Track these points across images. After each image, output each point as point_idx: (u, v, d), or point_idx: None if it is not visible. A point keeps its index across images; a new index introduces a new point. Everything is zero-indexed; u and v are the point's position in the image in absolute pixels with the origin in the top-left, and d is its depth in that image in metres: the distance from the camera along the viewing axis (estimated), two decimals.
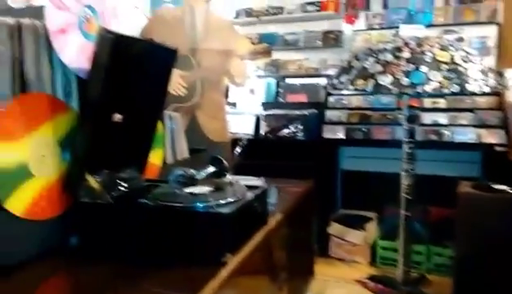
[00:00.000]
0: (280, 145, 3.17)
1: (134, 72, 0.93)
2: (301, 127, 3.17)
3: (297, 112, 3.22)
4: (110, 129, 0.95)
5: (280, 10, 3.96)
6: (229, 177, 1.07)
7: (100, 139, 0.93)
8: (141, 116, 1.04)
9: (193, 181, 0.97)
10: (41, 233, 0.84)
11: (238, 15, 4.07)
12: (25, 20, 0.85)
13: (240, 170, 1.76)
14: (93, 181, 0.90)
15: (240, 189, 0.96)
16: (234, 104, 3.64)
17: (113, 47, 0.83)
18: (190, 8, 2.33)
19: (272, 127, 3.24)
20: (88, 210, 0.89)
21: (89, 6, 0.98)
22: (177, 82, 2.21)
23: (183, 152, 1.50)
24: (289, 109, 3.34)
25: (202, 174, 0.99)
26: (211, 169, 1.03)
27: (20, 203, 0.81)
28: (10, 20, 0.82)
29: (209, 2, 2.46)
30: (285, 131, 3.20)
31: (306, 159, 2.94)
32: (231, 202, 0.85)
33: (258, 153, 2.86)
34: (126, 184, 0.95)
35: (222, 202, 0.85)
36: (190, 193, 0.90)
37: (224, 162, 1.05)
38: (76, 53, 0.93)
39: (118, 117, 0.96)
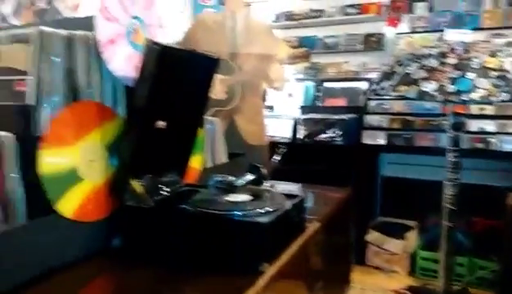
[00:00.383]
0: (318, 150, 3.15)
1: (178, 80, 0.96)
2: (339, 132, 3.13)
3: (335, 116, 3.19)
4: (154, 135, 0.98)
5: (320, 13, 3.94)
6: (266, 183, 1.08)
7: (144, 145, 0.97)
8: (184, 122, 1.06)
9: (232, 188, 0.99)
10: (88, 234, 0.88)
11: (278, 18, 4.08)
12: (78, 32, 0.89)
13: (277, 175, 1.77)
14: (137, 185, 0.93)
15: (278, 197, 0.96)
16: (272, 108, 3.65)
17: (158, 58, 0.86)
18: (231, 13, 2.36)
19: (310, 132, 3.23)
20: (132, 213, 0.92)
21: (137, 17, 1.02)
22: (217, 87, 2.24)
23: (222, 156, 1.53)
24: (327, 113, 3.31)
25: (241, 181, 1.01)
26: (249, 177, 1.04)
27: (69, 206, 0.85)
28: (64, 32, 0.87)
29: (250, 7, 2.48)
30: (323, 135, 3.17)
31: (344, 165, 2.91)
32: (269, 212, 0.86)
33: (295, 157, 2.86)
34: (167, 189, 0.98)
35: (261, 211, 0.85)
36: (229, 201, 0.92)
37: (262, 170, 1.06)
38: (123, 62, 0.97)
39: (161, 123, 0.99)
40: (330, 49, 3.90)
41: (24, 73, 0.82)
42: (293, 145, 3.17)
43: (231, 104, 2.32)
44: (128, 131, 0.93)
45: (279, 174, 1.76)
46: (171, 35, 1.09)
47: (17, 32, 0.84)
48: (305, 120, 3.28)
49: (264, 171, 1.07)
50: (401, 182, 2.93)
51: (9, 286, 0.73)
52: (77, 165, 0.87)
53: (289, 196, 1.01)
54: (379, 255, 2.85)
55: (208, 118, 1.47)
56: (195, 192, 1.03)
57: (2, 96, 0.84)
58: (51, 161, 0.82)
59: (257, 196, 0.96)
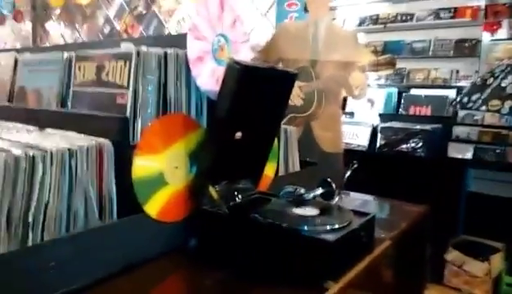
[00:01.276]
0: (397, 161, 3.04)
1: (257, 95, 1.02)
2: (422, 143, 2.99)
3: (418, 126, 3.05)
4: (232, 145, 1.05)
5: (409, 17, 3.78)
6: (337, 197, 1.09)
7: (222, 154, 1.04)
8: (260, 133, 1.12)
9: (302, 201, 1.02)
10: (168, 233, 0.98)
11: (362, 22, 3.99)
12: (170, 50, 0.99)
13: (350, 184, 1.76)
14: (213, 191, 1.01)
15: (347, 214, 0.98)
16: (351, 114, 3.59)
17: (239, 76, 0.92)
18: (314, 20, 2.38)
19: (389, 141, 3.13)
20: (207, 217, 1.00)
21: (223, 35, 1.09)
22: (295, 93, 2.28)
23: (295, 165, 1.56)
24: (409, 122, 3.18)
25: (311, 195, 1.04)
26: (320, 191, 1.06)
27: (154, 207, 0.95)
28: (159, 50, 0.97)
29: (334, 12, 2.49)
30: (404, 146, 3.06)
31: (425, 178, 2.78)
32: (336, 229, 0.88)
33: (371, 167, 2.79)
34: (241, 196, 1.05)
35: (328, 227, 0.88)
36: (298, 215, 0.95)
37: (333, 184, 1.08)
38: (208, 77, 1.05)
39: (239, 134, 1.06)
40: (418, 54, 3.73)
41: (124, 87, 0.93)
42: (369, 154, 3.10)
43: (307, 110, 2.34)
44: (208, 141, 1.01)
45: (352, 183, 1.76)
46: (254, 42, 1.15)
47: (120, 51, 0.96)
48: (384, 128, 3.18)
49: (334, 186, 1.09)
50: (489, 199, 2.73)
51: (104, 274, 0.84)
52: (163, 170, 0.97)
53: (360, 213, 1.02)
54: (458, 275, 2.68)
55: (284, 126, 1.51)
56: (266, 200, 1.08)
57: (106, 107, 0.96)
58: (142, 166, 0.92)
59: (326, 211, 0.99)
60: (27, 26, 6.65)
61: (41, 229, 0.78)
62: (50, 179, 0.78)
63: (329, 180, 1.09)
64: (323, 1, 2.34)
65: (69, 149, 0.81)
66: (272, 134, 1.18)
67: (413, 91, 3.60)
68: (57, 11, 6.17)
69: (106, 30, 5.49)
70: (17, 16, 6.71)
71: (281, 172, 1.48)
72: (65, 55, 1.16)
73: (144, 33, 4.94)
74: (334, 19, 3.58)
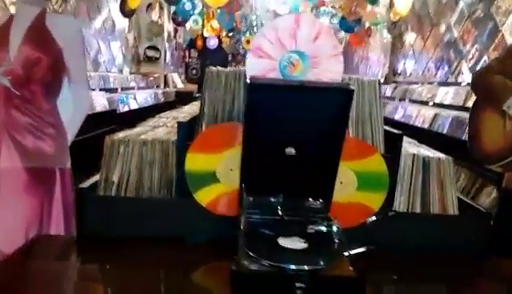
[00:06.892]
0: None
1: (292, 111, 1.01)
2: None
3: None
4: (280, 161, 1.08)
5: None
6: None
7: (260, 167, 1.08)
8: (319, 152, 1.07)
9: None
10: (215, 223, 1.16)
11: None
12: (238, 69, 1.15)
13: None
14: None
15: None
16: None
17: (248, 91, 0.97)
18: None
19: None
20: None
21: (297, 52, 1.12)
22: None
23: (448, 206, 1.24)
24: None
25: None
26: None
27: (205, 197, 1.16)
28: (227, 70, 1.16)
29: None
30: None
31: None
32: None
33: None
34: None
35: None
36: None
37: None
38: None
39: (290, 150, 1.07)
40: None
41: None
42: None
43: None
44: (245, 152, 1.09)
45: None
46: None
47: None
48: None
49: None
50: None
51: (156, 234, 1.16)
52: (216, 169, 1.16)
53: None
54: None
55: (429, 154, 1.23)
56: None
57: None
58: (194, 161, 1.16)
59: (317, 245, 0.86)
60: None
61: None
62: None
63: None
64: None
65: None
66: (335, 154, 1.07)
67: None
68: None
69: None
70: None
71: (410, 208, 1.23)
72: None
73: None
74: None
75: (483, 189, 3.43)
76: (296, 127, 1.04)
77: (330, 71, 1.14)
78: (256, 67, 1.12)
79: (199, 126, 1.21)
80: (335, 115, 1.01)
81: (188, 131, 1.20)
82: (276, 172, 1.09)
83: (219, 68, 1.20)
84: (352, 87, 0.98)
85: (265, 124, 1.02)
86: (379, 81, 1.23)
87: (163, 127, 1.46)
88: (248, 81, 0.98)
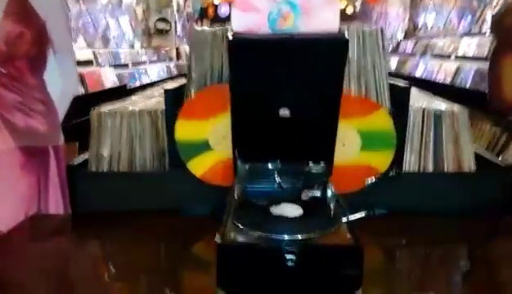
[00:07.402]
0: None
1: (280, 69, 0.91)
2: None
3: None
4: (276, 122, 0.99)
5: None
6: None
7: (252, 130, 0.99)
8: (316, 111, 0.98)
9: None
10: (211, 194, 1.10)
11: None
12: (225, 27, 1.05)
13: None
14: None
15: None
16: None
17: (230, 49, 0.88)
18: None
19: None
20: None
21: (287, 1, 1.01)
22: None
23: (463, 162, 1.14)
24: None
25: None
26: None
27: (199, 167, 1.10)
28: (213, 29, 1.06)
29: None
30: None
31: None
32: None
33: None
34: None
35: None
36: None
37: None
38: None
39: (284, 112, 0.98)
40: None
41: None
42: None
43: None
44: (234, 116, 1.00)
45: None
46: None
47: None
48: None
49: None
50: None
51: (154, 206, 1.11)
52: (208, 137, 1.09)
53: None
54: None
55: (441, 107, 1.12)
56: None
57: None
58: (184, 129, 1.08)
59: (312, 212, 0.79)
60: None
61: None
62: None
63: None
64: None
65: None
66: (333, 112, 0.97)
67: None
68: None
69: None
70: None
71: (421, 167, 1.13)
72: None
73: None
74: None
75: (510, 144, 3.24)
76: (288, 86, 0.95)
77: (325, 21, 1.03)
78: (242, 22, 1.02)
79: (189, 92, 1.12)
80: (331, 69, 0.91)
81: (177, 99, 1.12)
82: (272, 137, 1.00)
83: (205, 27, 1.11)
84: (346, 37, 0.87)
85: (253, 85, 0.93)
86: (382, 29, 1.11)
87: (157, 98, 1.39)
88: (229, 37, 0.88)
